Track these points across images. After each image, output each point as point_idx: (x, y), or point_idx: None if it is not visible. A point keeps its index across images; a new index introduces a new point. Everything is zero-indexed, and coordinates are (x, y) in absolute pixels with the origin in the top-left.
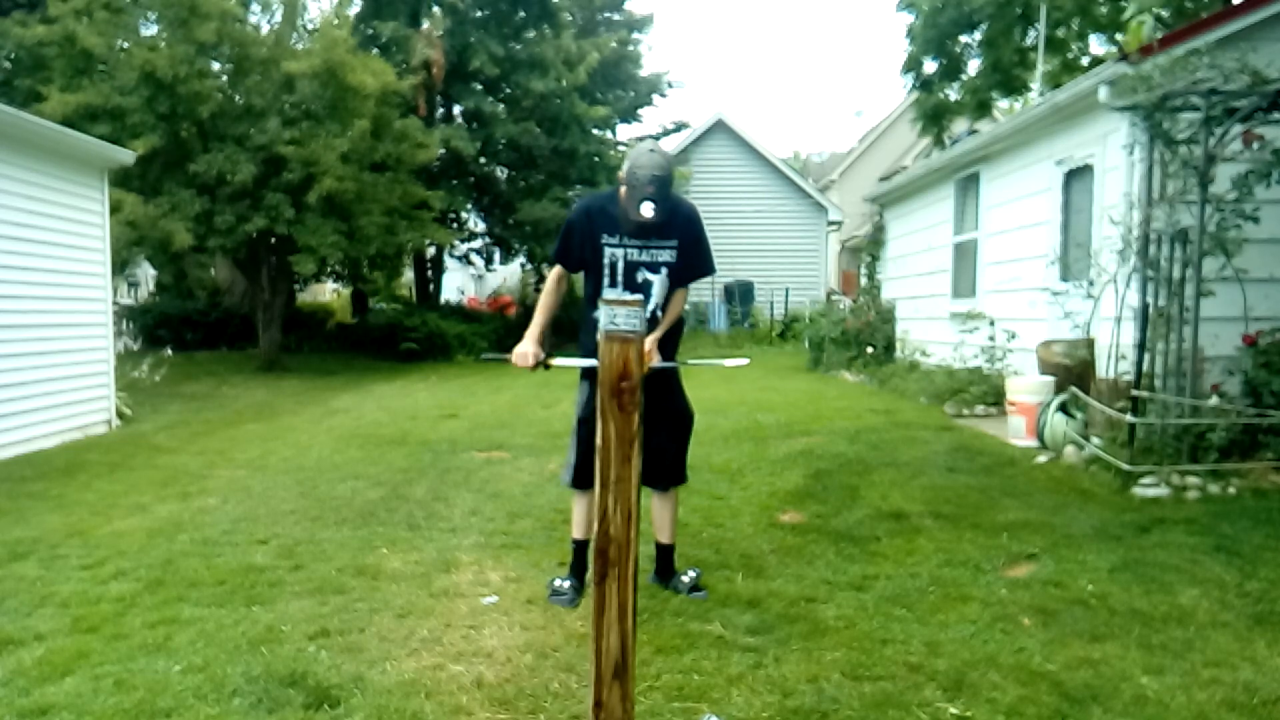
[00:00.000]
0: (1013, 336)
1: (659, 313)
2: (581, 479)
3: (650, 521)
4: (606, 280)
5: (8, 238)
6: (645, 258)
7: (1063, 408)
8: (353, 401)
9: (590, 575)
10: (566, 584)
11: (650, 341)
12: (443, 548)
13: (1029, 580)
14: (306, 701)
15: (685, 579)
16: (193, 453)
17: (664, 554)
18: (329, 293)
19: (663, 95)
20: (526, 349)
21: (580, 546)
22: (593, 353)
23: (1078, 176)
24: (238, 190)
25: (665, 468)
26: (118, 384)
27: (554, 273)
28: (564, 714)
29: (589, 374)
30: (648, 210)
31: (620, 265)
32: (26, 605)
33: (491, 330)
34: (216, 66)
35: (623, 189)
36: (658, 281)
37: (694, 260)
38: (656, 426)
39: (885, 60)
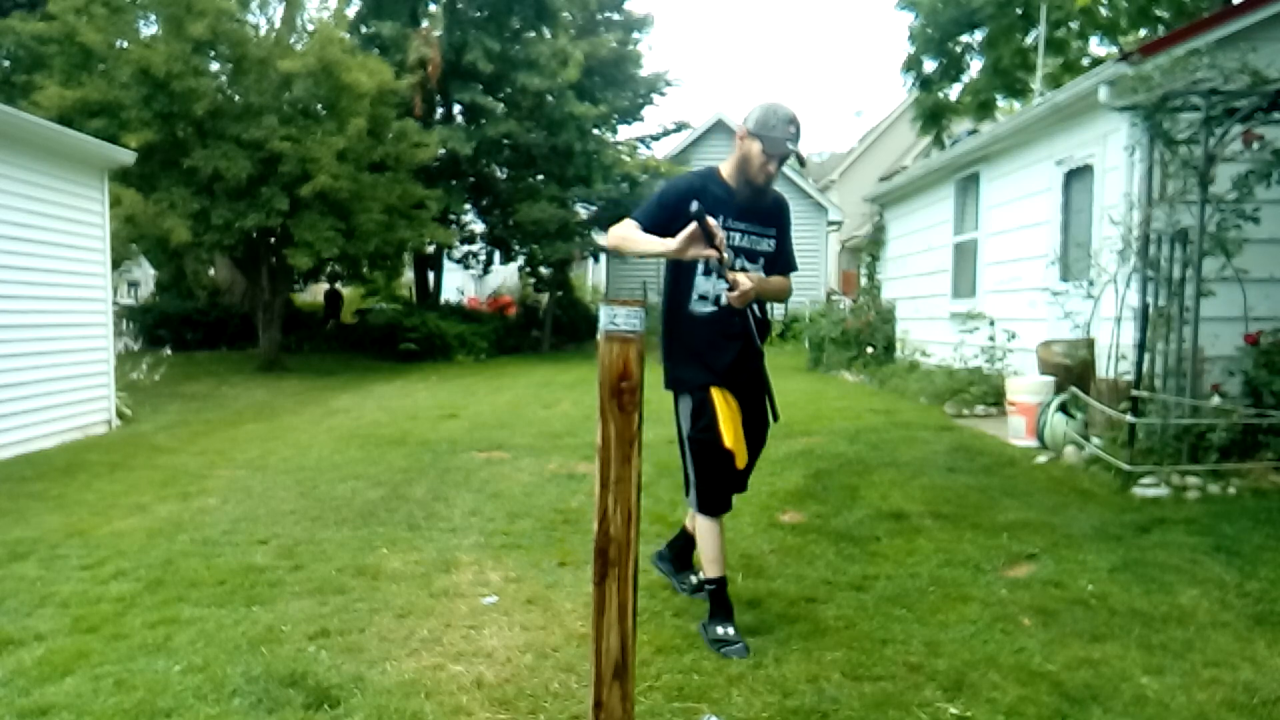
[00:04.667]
0: (1013, 336)
1: (755, 310)
2: (723, 503)
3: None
4: (701, 267)
5: (8, 238)
6: (746, 244)
7: (1063, 408)
8: (353, 401)
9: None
10: (730, 630)
11: (753, 279)
12: (443, 548)
13: (1029, 580)
14: (306, 701)
15: (694, 579)
16: (193, 453)
17: (689, 544)
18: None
19: (662, 95)
20: (683, 234)
21: (723, 584)
22: (692, 366)
23: (1078, 176)
24: (234, 187)
25: (748, 473)
26: (118, 384)
27: (630, 223)
28: (564, 714)
29: (692, 384)
30: (791, 145)
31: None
32: (26, 605)
33: (491, 330)
34: (215, 66)
35: (747, 146)
36: (756, 271)
37: (787, 252)
38: (754, 427)
39: (885, 60)
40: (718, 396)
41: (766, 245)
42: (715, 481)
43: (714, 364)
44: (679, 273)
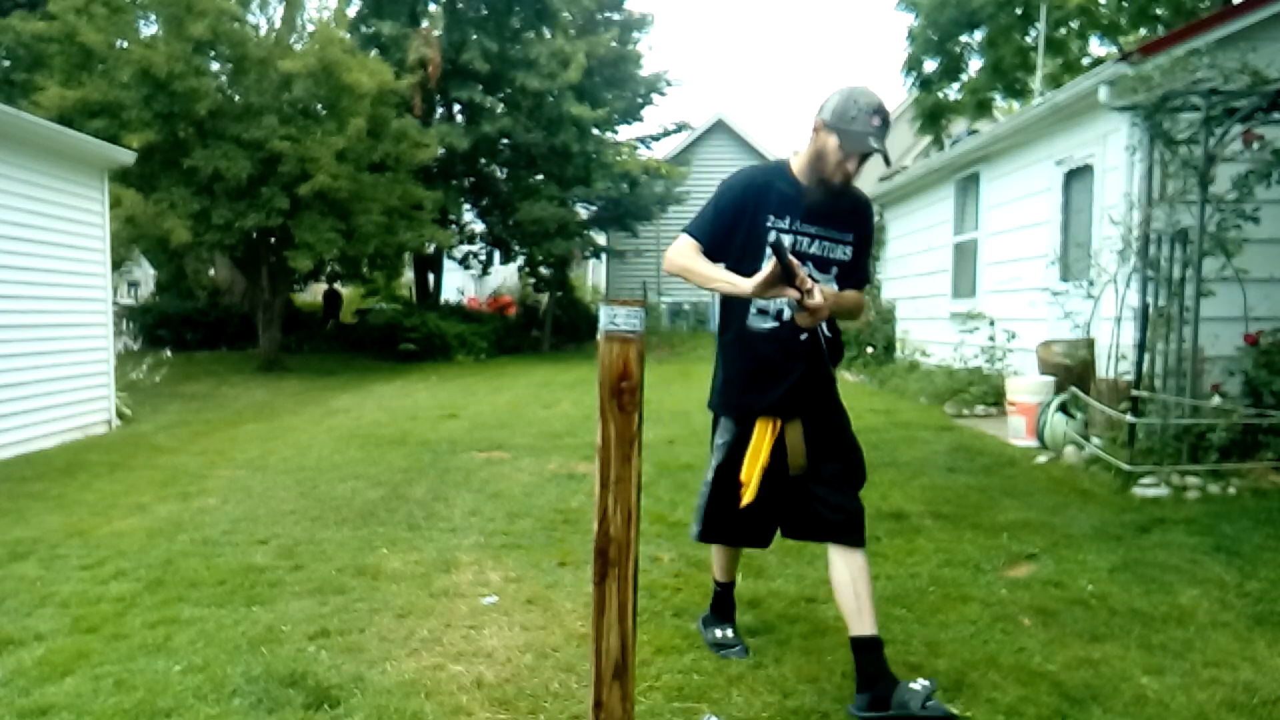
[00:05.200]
0: (1013, 336)
1: (825, 329)
2: (713, 531)
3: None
4: None
5: (8, 238)
6: (817, 250)
7: (1063, 408)
8: (353, 401)
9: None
10: (729, 632)
11: (827, 294)
12: (443, 548)
13: (1029, 580)
14: (306, 701)
15: (918, 687)
16: (193, 453)
17: (871, 651)
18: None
19: (662, 95)
20: (757, 275)
21: (726, 588)
22: (742, 390)
23: (1078, 176)
24: (234, 188)
25: (850, 512)
26: (118, 384)
27: (683, 241)
28: (564, 714)
29: (737, 411)
30: (874, 142)
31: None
32: (26, 605)
33: (491, 330)
34: (216, 66)
35: (822, 140)
36: (825, 284)
37: (863, 262)
38: (824, 448)
39: (885, 60)
40: (760, 429)
41: (841, 253)
42: (718, 511)
43: (768, 389)
44: (741, 256)
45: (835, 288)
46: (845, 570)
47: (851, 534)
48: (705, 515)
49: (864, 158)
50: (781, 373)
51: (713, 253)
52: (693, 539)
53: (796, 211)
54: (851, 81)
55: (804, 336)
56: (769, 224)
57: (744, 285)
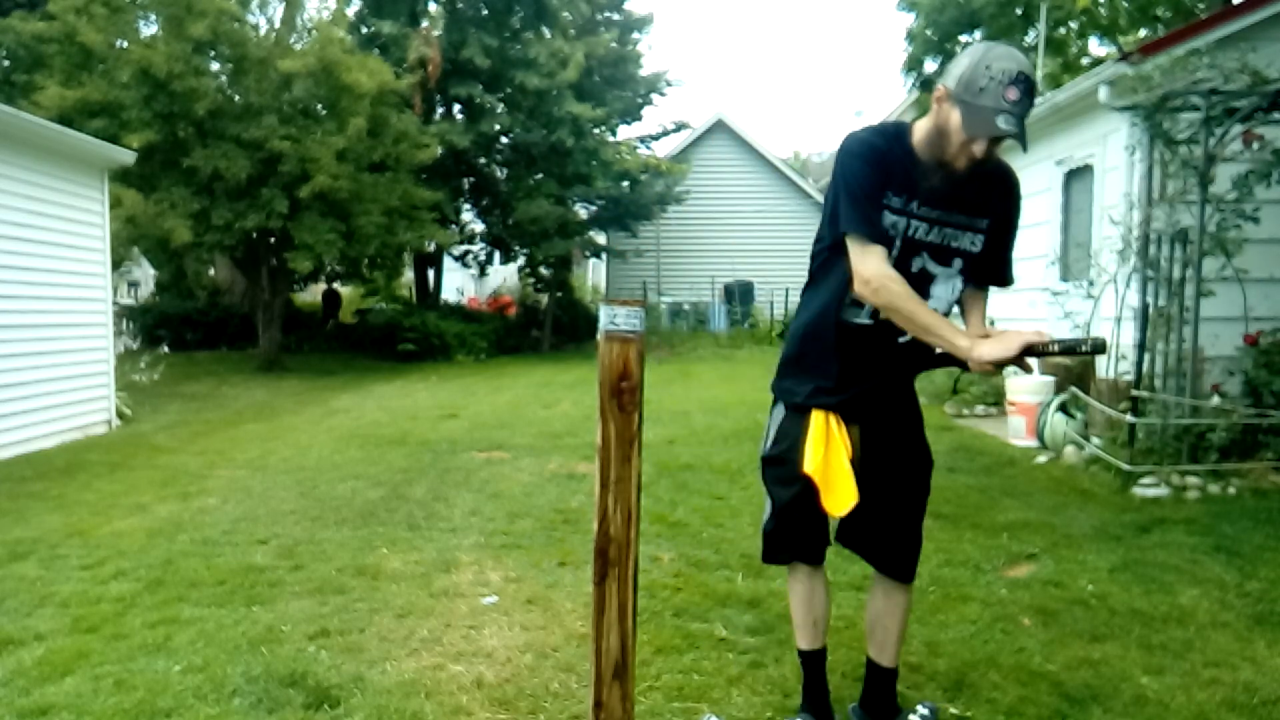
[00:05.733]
0: None
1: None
2: (787, 547)
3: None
4: None
5: (8, 238)
6: (935, 238)
7: (1063, 408)
8: (353, 401)
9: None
10: None
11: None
12: (443, 548)
13: (1029, 580)
14: (306, 701)
15: (917, 717)
16: (193, 453)
17: (882, 680)
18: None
19: (662, 95)
20: (1004, 341)
21: (813, 660)
22: (811, 378)
23: (1078, 176)
24: (234, 188)
25: (901, 541)
26: (118, 384)
27: (878, 255)
28: (564, 714)
29: (796, 397)
30: (1005, 124)
31: (897, 244)
32: (26, 605)
33: (491, 330)
34: (216, 66)
35: (945, 114)
36: (943, 278)
37: (1000, 254)
38: (894, 462)
39: (885, 60)
40: (819, 420)
41: (969, 242)
42: (784, 517)
43: (842, 384)
44: (835, 271)
45: (959, 283)
46: (882, 603)
47: (901, 568)
48: (770, 525)
49: (996, 139)
50: (863, 374)
51: (882, 232)
52: (762, 559)
53: (913, 190)
54: (991, 42)
55: (904, 339)
56: (884, 200)
57: (977, 354)
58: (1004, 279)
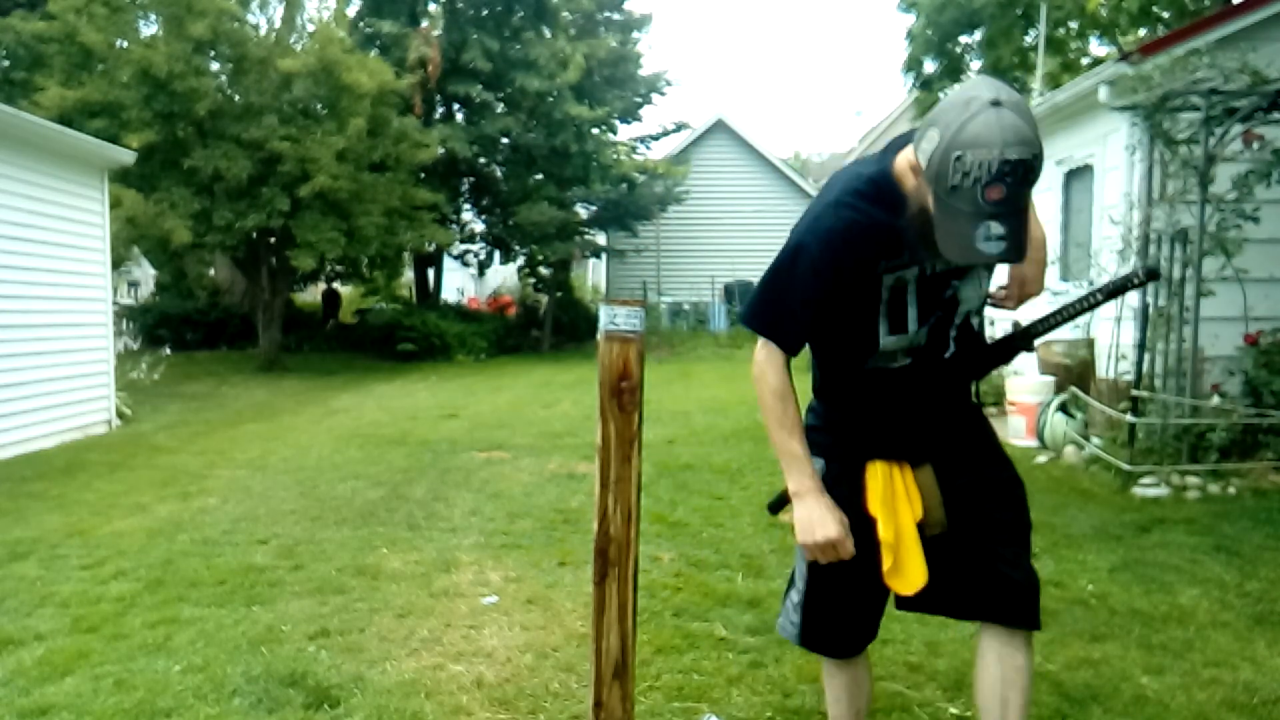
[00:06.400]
0: None
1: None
2: (821, 639)
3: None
4: (886, 321)
5: (8, 238)
6: (938, 289)
7: (1063, 408)
8: (353, 401)
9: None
10: None
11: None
12: (443, 548)
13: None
14: (306, 701)
15: None
16: (193, 453)
17: None
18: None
19: (662, 95)
20: (823, 521)
21: None
22: (848, 431)
23: (1078, 176)
24: (234, 188)
25: (1017, 578)
26: (118, 384)
27: (778, 359)
28: (564, 714)
29: (836, 450)
30: (987, 246)
31: (911, 286)
32: (26, 605)
33: (491, 330)
34: (216, 66)
35: (921, 192)
36: (973, 283)
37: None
38: (983, 502)
39: (885, 60)
40: (881, 474)
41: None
42: (823, 597)
43: (891, 434)
44: (856, 327)
45: (986, 280)
46: (997, 667)
47: (1023, 611)
48: (810, 602)
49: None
50: (913, 411)
51: (808, 341)
52: (793, 641)
53: (913, 250)
54: (969, 95)
55: (949, 353)
56: (880, 268)
57: (798, 523)
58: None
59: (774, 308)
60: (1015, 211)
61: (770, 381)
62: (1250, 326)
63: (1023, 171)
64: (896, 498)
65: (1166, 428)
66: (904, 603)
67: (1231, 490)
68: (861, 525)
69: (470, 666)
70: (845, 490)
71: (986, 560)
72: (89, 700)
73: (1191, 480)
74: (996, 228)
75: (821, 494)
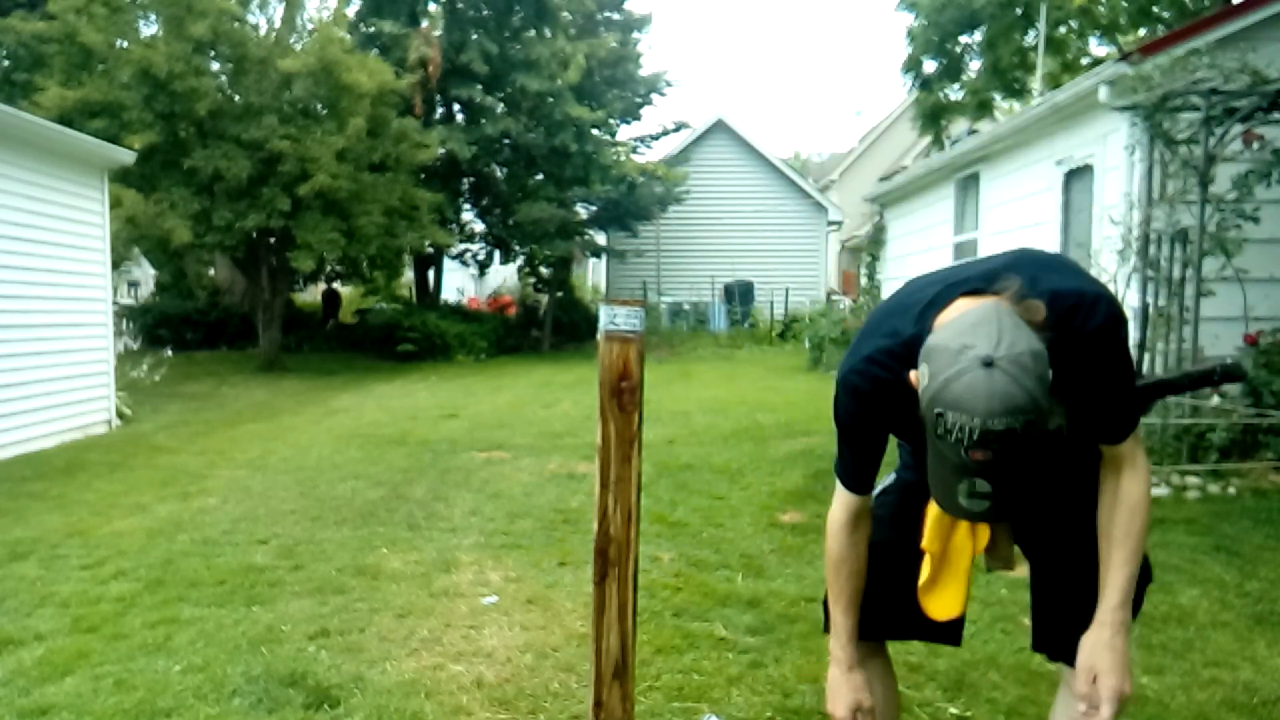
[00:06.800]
0: None
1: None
2: (873, 617)
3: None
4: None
5: (8, 238)
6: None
7: None
8: (353, 401)
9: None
10: None
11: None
12: (443, 548)
13: (1029, 580)
14: (306, 701)
15: None
16: (193, 453)
17: None
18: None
19: (662, 95)
20: (835, 695)
21: None
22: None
23: (1078, 176)
24: (234, 188)
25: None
26: (118, 384)
27: (844, 506)
28: (564, 714)
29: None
30: (969, 504)
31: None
32: (26, 605)
33: (491, 330)
34: (216, 66)
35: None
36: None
37: (1095, 415)
38: (1067, 546)
39: (885, 60)
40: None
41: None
42: (880, 587)
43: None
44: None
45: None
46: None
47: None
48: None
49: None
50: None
51: (867, 484)
52: (826, 629)
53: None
54: (970, 348)
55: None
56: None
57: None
58: (1121, 433)
59: (838, 446)
60: (1003, 471)
61: (829, 543)
62: (1250, 326)
63: (1009, 440)
64: (958, 532)
65: (1166, 428)
66: (1041, 644)
67: (1231, 490)
68: (918, 527)
69: (470, 666)
70: (913, 500)
71: (1082, 609)
72: (89, 700)
73: (1191, 480)
74: (981, 485)
75: (849, 670)
